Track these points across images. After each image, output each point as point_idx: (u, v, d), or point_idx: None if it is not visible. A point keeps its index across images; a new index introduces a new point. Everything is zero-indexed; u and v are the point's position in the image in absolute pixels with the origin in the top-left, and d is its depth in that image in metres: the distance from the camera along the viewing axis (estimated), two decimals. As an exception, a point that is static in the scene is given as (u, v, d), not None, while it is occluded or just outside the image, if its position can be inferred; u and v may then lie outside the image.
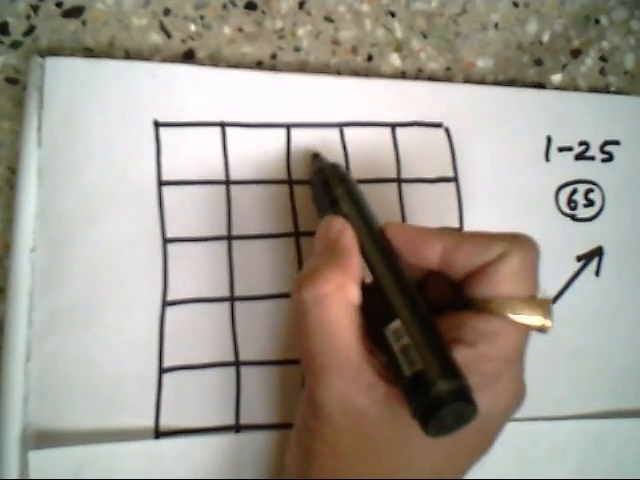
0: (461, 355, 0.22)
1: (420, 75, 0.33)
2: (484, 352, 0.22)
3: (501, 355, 0.23)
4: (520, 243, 0.23)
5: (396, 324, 0.22)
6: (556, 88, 0.34)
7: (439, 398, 0.20)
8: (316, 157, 0.29)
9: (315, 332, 0.22)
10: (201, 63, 0.32)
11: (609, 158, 0.32)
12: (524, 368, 0.24)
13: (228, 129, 0.30)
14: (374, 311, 0.23)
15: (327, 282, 0.22)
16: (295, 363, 0.28)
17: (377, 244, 0.24)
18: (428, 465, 0.23)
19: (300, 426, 0.24)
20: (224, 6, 0.32)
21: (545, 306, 0.23)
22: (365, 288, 0.23)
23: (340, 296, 0.22)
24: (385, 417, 0.22)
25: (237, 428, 0.28)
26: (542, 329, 0.23)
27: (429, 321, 0.22)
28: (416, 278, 0.25)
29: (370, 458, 0.22)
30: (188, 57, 0.32)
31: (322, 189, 0.27)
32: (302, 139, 0.30)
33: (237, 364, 0.28)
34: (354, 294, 0.23)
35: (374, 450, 0.22)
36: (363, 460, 0.22)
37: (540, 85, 0.34)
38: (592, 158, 0.32)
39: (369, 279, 0.23)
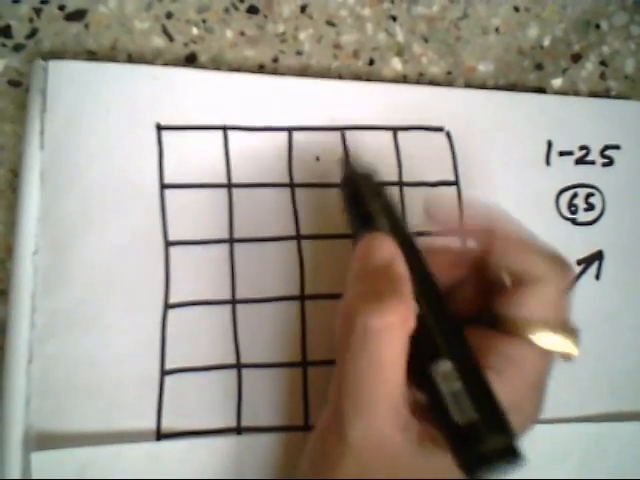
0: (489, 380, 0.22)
1: (421, 79, 0.33)
2: (511, 381, 0.22)
3: (527, 383, 0.22)
4: (562, 266, 0.23)
5: (446, 365, 0.21)
6: (556, 93, 0.34)
7: (491, 454, 0.20)
8: (345, 162, 0.27)
9: (368, 362, 0.21)
10: (203, 66, 0.32)
11: (609, 162, 0.33)
12: (546, 392, 0.23)
13: (230, 132, 0.30)
14: (416, 344, 0.22)
15: (394, 313, 0.21)
16: (297, 365, 0.29)
17: (420, 270, 0.23)
18: None
19: (316, 457, 0.23)
20: (226, 10, 0.32)
21: (574, 334, 0.23)
22: None
23: (404, 330, 0.21)
24: (417, 456, 0.21)
25: (238, 430, 0.28)
26: (567, 356, 0.23)
27: (477, 365, 0.22)
28: (445, 287, 0.24)
29: None
30: (190, 60, 0.32)
31: (354, 201, 0.25)
32: (304, 143, 0.30)
33: (239, 366, 0.28)
34: (413, 325, 0.22)
35: None
36: None
37: (541, 90, 0.34)
38: (592, 162, 0.32)
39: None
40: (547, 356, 0.23)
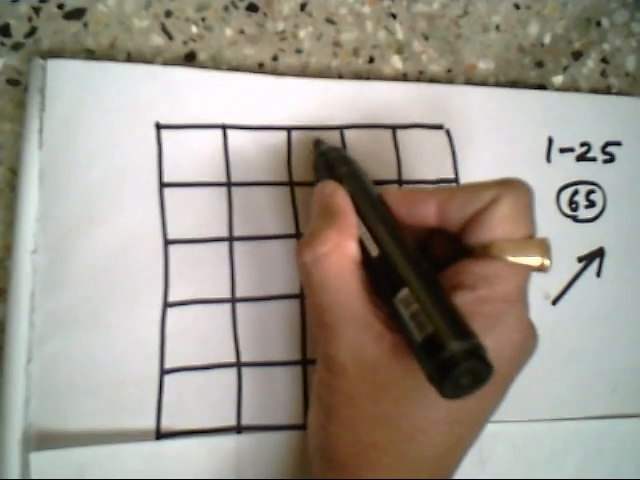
0: (461, 299, 0.22)
1: (421, 77, 0.33)
2: (484, 294, 0.22)
3: (502, 296, 0.23)
4: (512, 186, 0.24)
5: (404, 292, 0.22)
6: (557, 90, 0.34)
7: (453, 358, 0.20)
8: (318, 143, 0.29)
9: (320, 290, 0.23)
10: (202, 65, 0.32)
11: (610, 159, 0.32)
12: (529, 309, 0.24)
13: (229, 131, 0.30)
14: (383, 284, 0.23)
15: (324, 242, 0.23)
16: (296, 364, 0.29)
17: (381, 217, 0.24)
18: (444, 413, 0.23)
19: (318, 386, 0.24)
20: (225, 8, 0.32)
21: (543, 245, 0.23)
22: (372, 261, 0.24)
23: (338, 253, 0.23)
24: (395, 366, 0.22)
25: (238, 429, 0.28)
26: (542, 268, 0.23)
27: (437, 285, 0.22)
28: (419, 240, 0.25)
29: (385, 406, 0.23)
30: (189, 59, 0.32)
31: (325, 172, 0.27)
32: (303, 141, 0.30)
33: (238, 365, 0.28)
34: (352, 249, 0.23)
35: (388, 398, 0.22)
36: (378, 407, 0.23)
37: (541, 87, 0.34)
38: (593, 159, 0.32)
39: (375, 252, 0.24)
40: (520, 271, 0.23)
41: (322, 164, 0.28)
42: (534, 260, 0.23)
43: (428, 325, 0.21)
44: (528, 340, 0.24)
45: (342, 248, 0.23)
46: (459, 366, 0.20)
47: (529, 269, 0.23)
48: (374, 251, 0.24)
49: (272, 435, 0.27)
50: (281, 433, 0.28)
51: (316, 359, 0.28)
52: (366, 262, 0.24)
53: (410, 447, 0.23)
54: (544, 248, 0.23)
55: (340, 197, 0.25)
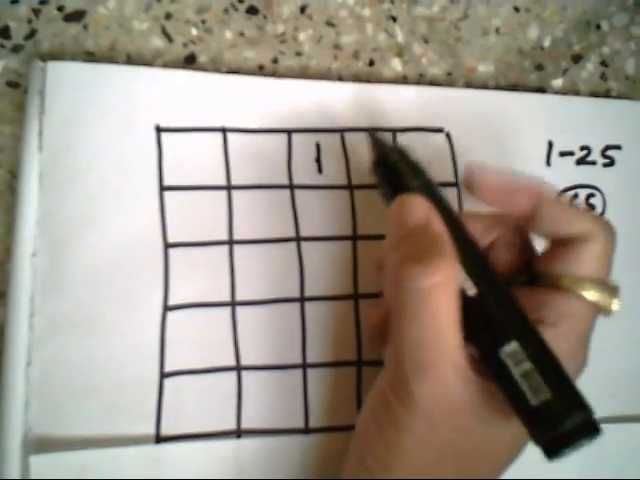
0: (545, 336, 0.22)
1: (421, 80, 0.33)
2: (565, 332, 0.23)
3: (578, 335, 0.23)
4: (607, 226, 0.24)
5: (513, 347, 0.21)
6: (557, 93, 0.34)
7: (572, 433, 0.20)
8: (374, 137, 0.26)
9: (424, 322, 0.21)
10: (202, 67, 0.32)
11: (610, 163, 0.32)
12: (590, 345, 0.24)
13: (229, 134, 0.30)
14: (477, 326, 0.22)
15: (441, 269, 0.21)
16: (297, 368, 0.28)
17: (473, 249, 0.23)
18: (510, 443, 0.23)
19: (381, 419, 0.23)
20: (225, 10, 0.32)
21: (616, 290, 0.24)
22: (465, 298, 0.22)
23: (452, 286, 0.21)
24: (480, 411, 0.22)
25: (238, 433, 0.28)
26: (609, 312, 0.24)
27: (544, 342, 0.21)
28: (483, 243, 0.25)
29: (462, 446, 0.22)
30: (189, 61, 0.32)
31: (391, 179, 0.24)
32: (303, 144, 0.30)
33: (238, 369, 0.28)
34: (461, 282, 0.22)
35: (466, 440, 0.22)
36: (454, 450, 0.22)
37: (541, 90, 0.34)
38: (593, 163, 0.32)
39: (472, 291, 0.22)
40: (593, 310, 0.23)
41: (385, 169, 0.25)
42: (610, 303, 0.23)
43: (544, 390, 0.20)
44: (583, 370, 0.24)
45: (455, 281, 0.21)
46: (578, 440, 0.20)
47: (599, 310, 0.24)
48: (470, 290, 0.22)
49: (272, 439, 0.27)
50: (281, 437, 0.27)
51: (316, 363, 0.29)
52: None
53: (477, 474, 0.23)
54: (618, 294, 0.24)
55: (437, 221, 0.22)
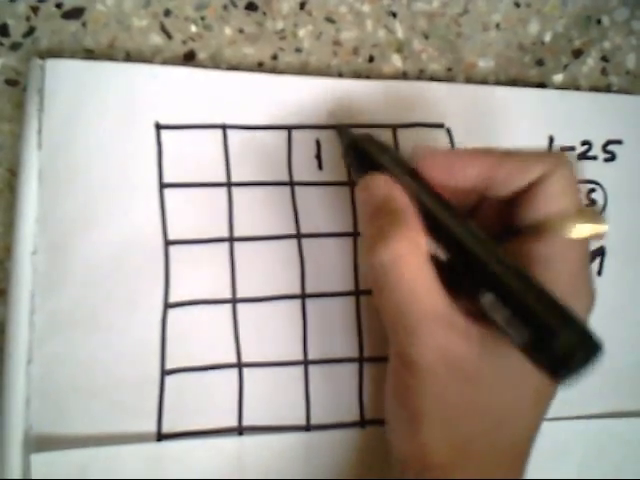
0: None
1: (421, 76, 0.33)
2: (554, 278, 0.22)
3: (570, 274, 0.23)
4: (560, 161, 0.23)
5: (489, 297, 0.21)
6: (558, 88, 0.34)
7: (571, 349, 0.20)
8: (342, 130, 0.28)
9: (398, 292, 0.22)
10: (202, 64, 0.31)
11: (612, 158, 0.32)
12: (591, 272, 0.24)
13: (229, 131, 0.30)
14: (460, 275, 0.23)
15: (398, 240, 0.22)
16: (298, 364, 0.28)
17: (444, 208, 0.23)
18: (531, 395, 0.23)
19: (398, 392, 0.24)
20: (225, 7, 0.32)
21: (595, 214, 0.24)
22: (445, 254, 0.23)
23: (416, 251, 0.22)
24: (485, 359, 0.22)
25: (240, 430, 0.28)
26: (597, 236, 0.23)
27: (523, 276, 0.22)
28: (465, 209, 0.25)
29: (476, 398, 0.22)
30: (189, 58, 0.32)
31: (361, 163, 0.26)
32: (303, 141, 0.30)
33: (239, 366, 0.28)
34: (426, 246, 0.23)
35: (479, 390, 0.22)
36: (469, 401, 0.22)
37: (542, 85, 0.34)
38: (594, 158, 0.32)
39: (444, 248, 0.23)
40: (580, 244, 0.23)
41: (354, 155, 0.26)
42: (589, 229, 0.23)
43: (526, 329, 0.20)
44: (592, 304, 0.24)
45: (419, 245, 0.22)
46: (577, 354, 0.20)
47: (586, 240, 0.23)
48: (442, 247, 0.23)
49: (274, 437, 0.27)
50: (283, 435, 0.27)
51: (318, 359, 0.29)
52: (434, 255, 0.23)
53: (502, 434, 0.23)
54: (596, 216, 0.23)
55: (397, 192, 0.23)
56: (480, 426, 0.23)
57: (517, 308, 0.21)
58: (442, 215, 0.23)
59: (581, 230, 0.23)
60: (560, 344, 0.20)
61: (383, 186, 0.24)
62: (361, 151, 0.26)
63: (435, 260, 0.23)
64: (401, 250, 0.22)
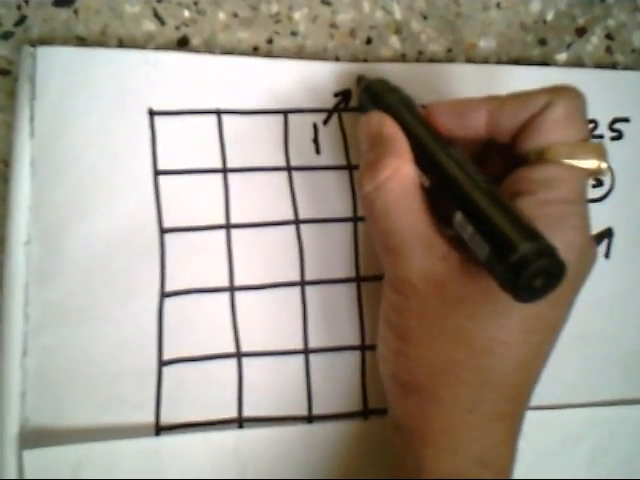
0: (522, 204, 0.22)
1: (421, 58, 0.32)
2: (544, 198, 0.22)
3: (562, 198, 0.22)
4: (563, 90, 0.24)
5: (458, 217, 0.22)
6: (561, 68, 0.33)
7: (524, 258, 0.19)
8: (360, 79, 0.29)
9: (384, 215, 0.23)
10: (196, 50, 0.31)
11: (618, 136, 0.31)
12: (589, 216, 0.23)
13: (224, 116, 0.29)
14: (443, 205, 0.23)
15: (383, 169, 0.23)
16: (298, 353, 0.28)
17: (433, 138, 0.24)
18: (519, 322, 0.22)
19: (387, 311, 0.24)
20: (218, -9, 0.31)
21: (598, 149, 0.23)
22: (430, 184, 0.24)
23: (399, 177, 0.23)
24: (464, 281, 0.22)
25: (240, 421, 0.27)
26: (598, 172, 0.23)
27: (497, 194, 0.22)
28: (473, 156, 0.25)
29: (459, 321, 0.22)
30: (182, 44, 0.31)
31: (372, 105, 0.27)
32: (300, 125, 0.30)
33: (238, 355, 0.27)
34: (411, 172, 0.23)
35: (461, 313, 0.22)
36: (452, 323, 0.23)
37: (545, 65, 0.33)
38: (601, 136, 0.31)
39: (430, 175, 0.24)
40: (577, 174, 0.23)
41: (368, 98, 0.27)
42: (590, 163, 0.23)
43: (494, 231, 0.21)
44: (591, 244, 0.24)
45: (402, 171, 0.23)
46: (531, 265, 0.19)
47: (586, 172, 0.23)
48: (428, 174, 0.24)
49: (273, 430, 0.27)
50: (282, 428, 0.27)
51: (318, 348, 0.28)
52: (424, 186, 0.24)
53: (489, 361, 0.22)
54: (600, 151, 0.23)
55: (389, 125, 0.24)
56: (465, 351, 0.22)
57: (480, 224, 0.21)
58: (427, 142, 0.24)
59: (581, 161, 0.23)
60: (516, 253, 0.19)
61: (377, 120, 0.25)
62: (373, 93, 0.27)
63: (424, 189, 0.24)
64: (384, 176, 0.23)
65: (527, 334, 0.22)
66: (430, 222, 0.23)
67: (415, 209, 0.23)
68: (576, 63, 0.33)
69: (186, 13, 0.31)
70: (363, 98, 0.28)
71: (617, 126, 0.31)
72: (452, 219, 0.22)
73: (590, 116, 0.31)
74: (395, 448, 0.24)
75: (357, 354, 0.28)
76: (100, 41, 0.30)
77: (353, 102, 0.30)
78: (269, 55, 0.31)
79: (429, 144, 0.24)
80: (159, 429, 0.27)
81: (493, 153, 0.26)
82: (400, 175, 0.23)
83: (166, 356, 0.27)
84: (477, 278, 0.22)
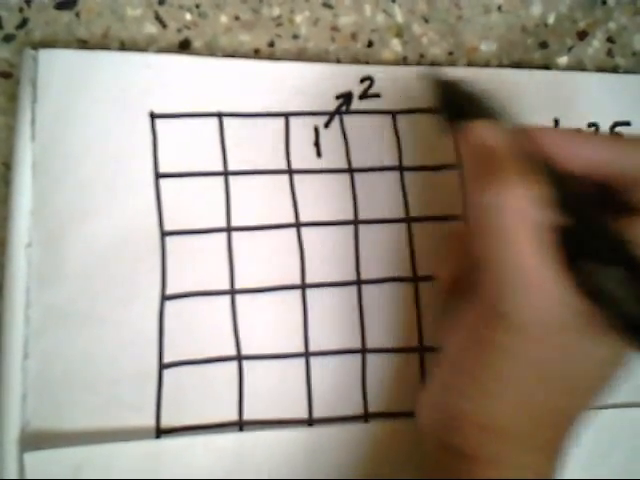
0: None
1: (422, 61, 0.32)
2: None
3: None
4: None
5: (612, 271, 0.20)
6: (562, 71, 0.33)
7: None
8: (436, 79, 0.26)
9: (501, 241, 0.21)
10: (197, 53, 0.31)
11: (619, 140, 0.31)
12: None
13: (225, 119, 0.29)
14: (572, 248, 0.21)
15: (514, 187, 0.21)
16: (299, 356, 0.28)
17: (554, 173, 0.22)
18: (602, 364, 0.23)
19: (477, 349, 0.23)
20: (220, -6, 0.31)
21: None
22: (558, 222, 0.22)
23: (528, 203, 0.21)
24: (579, 328, 0.21)
25: (240, 424, 0.27)
26: None
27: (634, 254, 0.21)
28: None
29: (567, 374, 0.22)
30: (184, 47, 0.31)
31: (459, 111, 0.24)
32: (301, 128, 0.30)
33: (239, 358, 0.27)
34: (541, 201, 0.21)
35: (571, 364, 0.22)
36: (560, 376, 0.22)
37: (546, 68, 0.33)
38: (601, 140, 0.31)
39: (560, 214, 0.21)
40: None
41: (452, 101, 0.25)
42: None
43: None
44: None
45: (533, 197, 0.21)
46: None
47: None
48: (558, 212, 0.21)
49: (274, 433, 0.27)
50: (283, 431, 0.27)
51: (319, 351, 0.28)
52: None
53: (576, 401, 0.23)
54: None
55: (513, 145, 0.22)
56: (557, 392, 0.22)
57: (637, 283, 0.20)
58: (560, 177, 0.22)
59: None
60: None
61: (493, 133, 0.23)
62: (464, 99, 0.24)
63: (552, 225, 0.21)
64: (521, 196, 0.21)
65: (612, 366, 0.23)
66: (555, 262, 0.21)
67: (540, 243, 0.21)
68: (577, 66, 0.33)
69: (188, 16, 0.31)
70: (446, 101, 0.25)
71: (618, 130, 0.31)
72: (581, 266, 0.21)
73: (591, 120, 0.31)
74: (431, 458, 0.24)
75: (358, 357, 0.28)
76: (102, 44, 0.30)
77: (354, 105, 0.30)
78: (271, 58, 0.31)
79: (565, 181, 0.22)
80: (159, 432, 0.27)
81: (602, 192, 0.23)
82: (531, 200, 0.21)
83: (167, 359, 0.27)
84: (589, 326, 0.21)
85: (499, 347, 0.22)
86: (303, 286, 0.28)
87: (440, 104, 0.25)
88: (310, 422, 0.27)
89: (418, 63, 0.32)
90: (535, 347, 0.22)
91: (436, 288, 0.28)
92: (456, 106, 0.24)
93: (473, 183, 0.22)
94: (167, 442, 0.26)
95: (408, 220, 0.29)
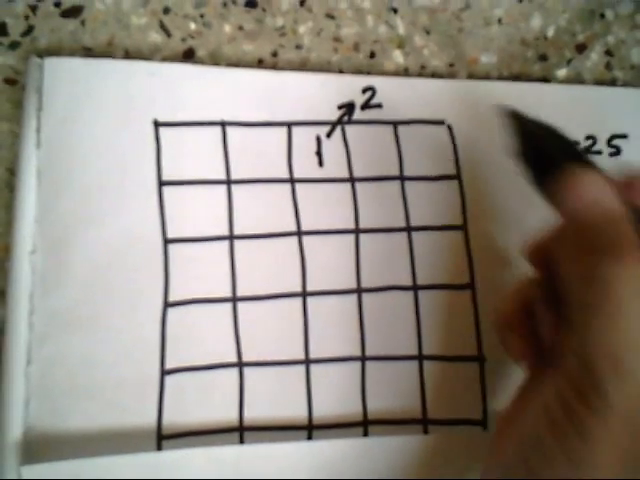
0: None
1: (423, 72, 0.33)
2: None
3: None
4: None
5: None
6: (561, 83, 0.33)
7: None
8: (514, 116, 0.24)
9: (615, 322, 0.20)
10: (201, 62, 0.31)
11: (616, 152, 0.32)
12: None
13: (228, 128, 0.30)
14: None
15: (635, 262, 0.20)
16: (300, 363, 0.28)
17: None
18: None
19: (563, 429, 0.20)
20: (224, 4, 0.32)
21: None
22: None
23: None
24: None
25: (241, 431, 0.27)
26: None
27: None
28: None
29: None
30: (188, 56, 0.31)
31: (544, 162, 0.22)
32: (303, 137, 0.30)
33: (240, 365, 0.28)
34: None
35: None
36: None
37: (545, 81, 0.34)
38: (599, 152, 0.32)
39: None
40: None
41: (536, 143, 0.23)
42: None
43: None
44: None
45: None
46: None
47: None
48: None
49: (274, 446, 0.27)
50: (284, 444, 0.27)
51: (319, 358, 0.28)
52: None
53: None
54: None
55: (621, 207, 0.21)
56: None
57: None
58: None
59: None
60: None
61: (610, 194, 0.21)
62: (544, 138, 0.23)
63: None
64: (631, 270, 0.19)
65: None
66: None
67: None
68: (576, 79, 0.34)
69: (192, 25, 0.32)
70: (529, 147, 0.23)
71: (615, 142, 0.32)
72: None
73: (589, 132, 0.32)
74: None
75: (357, 365, 0.28)
76: (107, 52, 0.31)
77: (356, 115, 0.31)
78: (274, 67, 0.32)
79: None
80: (161, 438, 0.27)
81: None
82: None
83: (168, 365, 0.27)
84: None
85: (592, 435, 0.20)
86: (304, 294, 0.29)
87: (522, 147, 0.23)
88: (309, 429, 0.28)
89: (419, 74, 0.33)
90: (635, 440, 0.20)
91: (493, 320, 0.27)
92: (542, 150, 0.22)
93: (580, 248, 0.21)
94: (167, 454, 0.26)
95: (409, 229, 0.30)
